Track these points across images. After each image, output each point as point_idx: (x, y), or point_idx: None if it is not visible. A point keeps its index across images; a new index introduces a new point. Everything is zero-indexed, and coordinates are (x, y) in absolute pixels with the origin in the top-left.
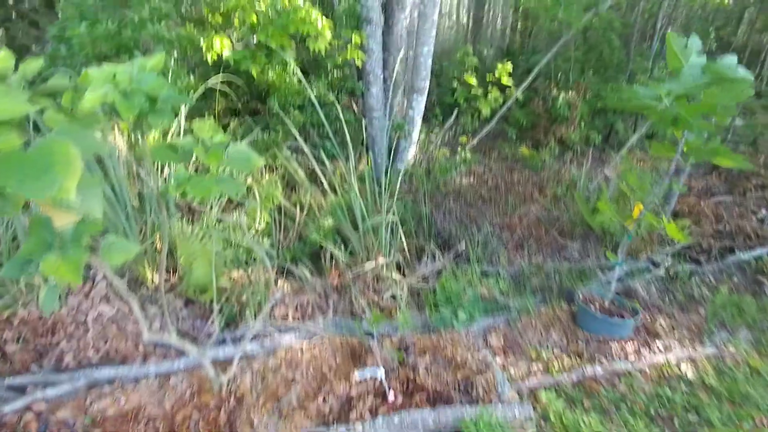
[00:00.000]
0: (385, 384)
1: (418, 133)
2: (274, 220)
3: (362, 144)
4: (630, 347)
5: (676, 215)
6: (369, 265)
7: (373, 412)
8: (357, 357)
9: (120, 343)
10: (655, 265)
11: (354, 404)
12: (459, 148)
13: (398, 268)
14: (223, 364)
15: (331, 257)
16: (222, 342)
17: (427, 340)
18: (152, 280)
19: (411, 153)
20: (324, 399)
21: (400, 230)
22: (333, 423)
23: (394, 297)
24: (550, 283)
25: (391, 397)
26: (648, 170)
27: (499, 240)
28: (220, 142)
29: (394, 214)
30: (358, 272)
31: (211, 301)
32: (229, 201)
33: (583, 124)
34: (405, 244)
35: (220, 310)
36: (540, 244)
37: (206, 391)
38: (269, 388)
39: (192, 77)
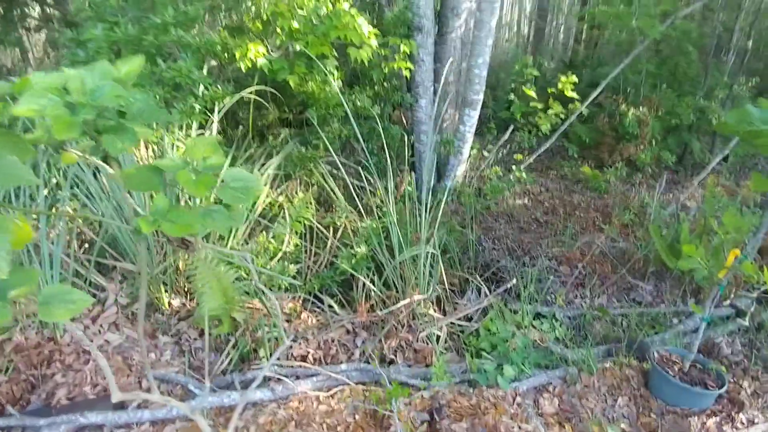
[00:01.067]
0: None
1: (468, 149)
2: (304, 243)
3: (408, 161)
4: (711, 423)
5: (761, 252)
6: (403, 302)
7: None
8: (380, 416)
9: (122, 377)
10: (740, 314)
11: None
12: (513, 167)
13: (437, 303)
14: (227, 413)
15: (363, 286)
16: (230, 384)
17: (465, 399)
18: (168, 305)
19: (461, 171)
20: None
21: (440, 263)
22: None
23: (430, 339)
24: (615, 331)
25: None
26: (729, 199)
27: (556, 275)
28: (211, 166)
29: (434, 245)
30: (390, 310)
31: (227, 334)
32: (258, 222)
33: (654, 143)
34: (446, 276)
35: (235, 345)
36: (605, 283)
37: None
38: None
39: (222, 88)
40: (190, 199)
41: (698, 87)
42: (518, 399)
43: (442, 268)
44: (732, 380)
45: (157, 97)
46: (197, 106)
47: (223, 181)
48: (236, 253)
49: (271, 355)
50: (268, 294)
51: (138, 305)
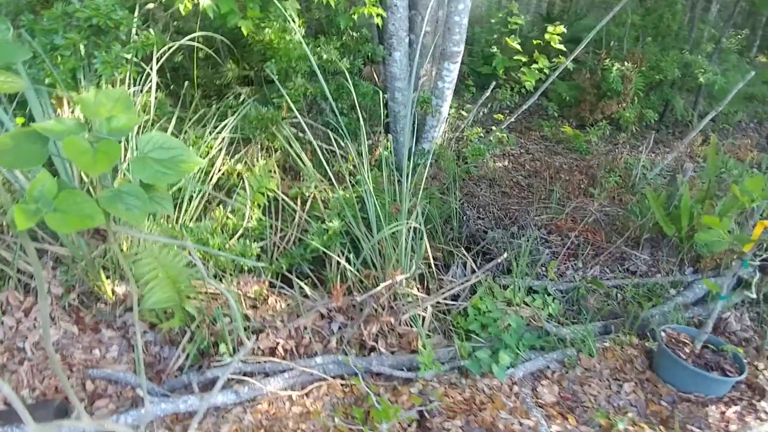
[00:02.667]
0: None
1: (448, 108)
2: (268, 218)
3: (382, 123)
4: (731, 413)
5: None
6: (384, 284)
7: None
8: (364, 413)
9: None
10: (745, 284)
11: None
12: (494, 127)
13: (420, 281)
14: (185, 420)
15: (338, 266)
16: (186, 386)
17: (458, 393)
18: (112, 293)
19: (439, 132)
20: None
21: (425, 240)
22: None
23: (414, 321)
24: (611, 305)
25: None
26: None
27: (546, 246)
28: (119, 129)
29: (417, 218)
30: (371, 294)
31: (180, 327)
32: (213, 195)
33: (635, 100)
34: (429, 248)
35: (191, 339)
36: (598, 253)
37: None
38: None
39: (156, 33)
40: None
41: (684, 41)
42: (515, 388)
43: (427, 242)
44: (746, 360)
45: (74, 45)
46: (126, 56)
47: (140, 151)
48: (175, 242)
49: (234, 350)
50: (221, 289)
51: (43, 331)
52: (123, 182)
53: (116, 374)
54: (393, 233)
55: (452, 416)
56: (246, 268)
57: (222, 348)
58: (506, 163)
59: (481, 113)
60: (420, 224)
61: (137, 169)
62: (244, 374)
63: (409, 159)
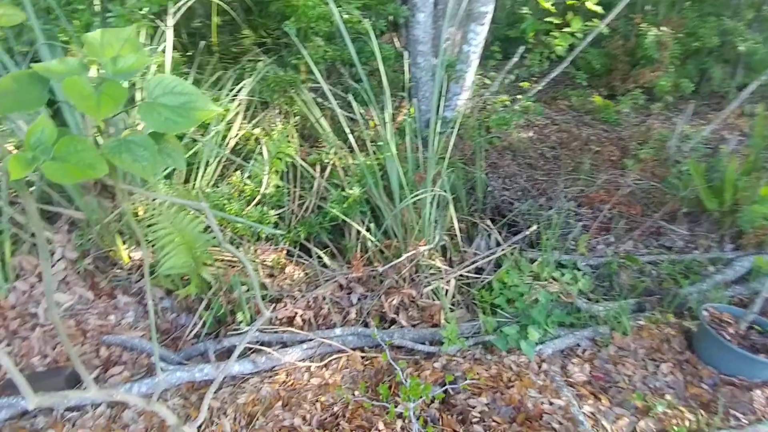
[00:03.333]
0: None
1: (473, 74)
2: (287, 184)
3: (404, 88)
4: None
5: None
6: (407, 255)
7: None
8: (385, 392)
9: (76, 345)
10: None
11: None
12: (519, 96)
13: (443, 252)
14: (201, 389)
15: (358, 235)
16: (203, 354)
17: (483, 369)
18: (129, 258)
19: (463, 99)
20: None
21: (451, 207)
22: None
23: (436, 294)
24: (644, 282)
25: None
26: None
27: (577, 219)
28: (126, 71)
29: (443, 186)
30: (392, 264)
31: (198, 294)
32: (231, 160)
33: (671, 68)
34: (454, 218)
35: (208, 306)
36: (632, 227)
37: None
38: None
39: None
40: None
41: (723, 7)
42: (544, 366)
43: (453, 212)
44: None
45: None
46: (142, 10)
47: (149, 95)
48: (190, 204)
49: (251, 319)
50: (238, 255)
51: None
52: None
53: (131, 341)
54: (415, 203)
55: (478, 393)
56: (263, 236)
57: (239, 316)
58: (531, 134)
59: (507, 80)
60: (446, 191)
61: (145, 115)
62: (262, 344)
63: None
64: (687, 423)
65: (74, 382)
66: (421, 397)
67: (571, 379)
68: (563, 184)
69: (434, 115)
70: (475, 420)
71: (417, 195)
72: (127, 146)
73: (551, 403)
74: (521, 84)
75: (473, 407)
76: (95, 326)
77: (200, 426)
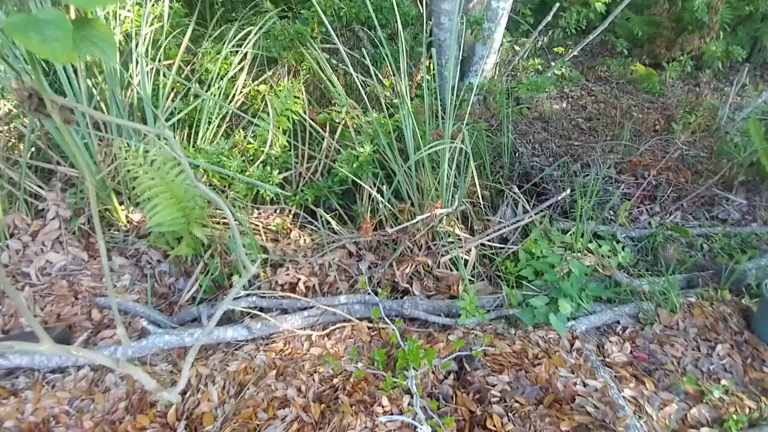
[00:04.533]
0: None
1: (501, 34)
2: (295, 142)
3: (426, 50)
4: None
5: None
6: (422, 217)
7: None
8: (393, 363)
9: (66, 306)
10: None
11: None
12: (553, 63)
13: (463, 221)
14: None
15: (369, 198)
16: (196, 319)
17: (506, 344)
18: (127, 220)
19: (490, 63)
20: None
21: (472, 165)
22: None
23: (455, 264)
24: (694, 257)
25: None
26: None
27: (616, 186)
28: None
29: (463, 140)
30: (404, 226)
31: (194, 255)
32: (237, 117)
33: (721, 35)
34: (477, 183)
35: (205, 270)
36: (680, 195)
37: (149, 405)
38: (243, 411)
39: None
40: None
41: None
42: (577, 344)
43: (474, 171)
44: None
45: None
46: None
47: None
48: (144, 128)
49: (249, 283)
50: (219, 202)
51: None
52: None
53: (125, 303)
54: (433, 167)
55: (499, 370)
56: (267, 199)
57: (235, 279)
58: (565, 105)
59: (539, 43)
60: (466, 147)
61: None
62: (260, 310)
63: (453, 93)
64: (747, 410)
65: (65, 341)
66: (423, 367)
67: (608, 360)
68: (601, 149)
69: (451, 78)
70: (494, 400)
71: (434, 146)
72: (35, 24)
73: (585, 385)
74: (555, 49)
75: (493, 385)
76: (88, 288)
77: (184, 392)
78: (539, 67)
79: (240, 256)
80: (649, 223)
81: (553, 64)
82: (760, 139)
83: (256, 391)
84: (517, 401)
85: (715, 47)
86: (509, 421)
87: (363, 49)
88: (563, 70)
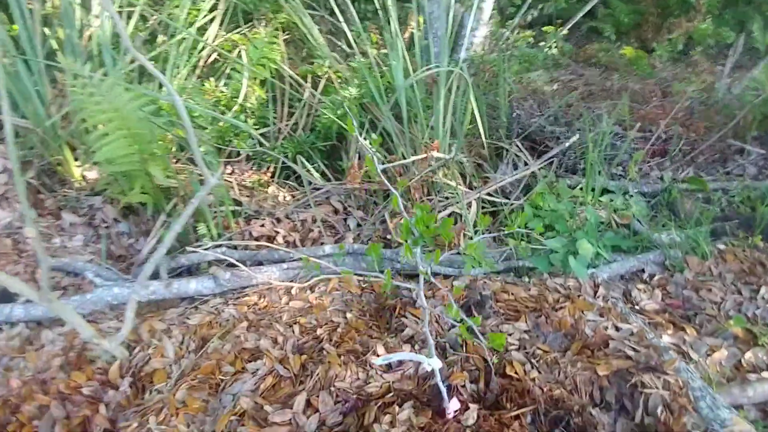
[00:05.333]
0: (440, 380)
1: (491, 7)
2: (272, 94)
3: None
4: None
5: None
6: (416, 157)
7: None
8: (388, 314)
9: (8, 264)
10: None
11: (369, 419)
12: (543, 42)
13: (463, 178)
14: (154, 313)
15: (357, 154)
16: (155, 274)
17: (521, 290)
18: (82, 178)
19: (479, 36)
20: (308, 399)
21: (472, 103)
22: None
23: (454, 218)
24: (712, 210)
25: (451, 408)
26: None
27: (623, 141)
28: None
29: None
30: (393, 165)
31: (155, 209)
32: (207, 68)
33: (708, 18)
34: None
35: (166, 224)
36: (692, 149)
37: (87, 362)
38: (205, 363)
39: None
40: None
41: None
42: (601, 291)
43: (475, 107)
44: None
45: None
46: None
47: None
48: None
49: (218, 235)
50: (159, 76)
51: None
52: None
53: (74, 263)
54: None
55: (514, 317)
56: (243, 154)
57: (201, 228)
58: (555, 87)
59: (529, 18)
60: (463, 73)
61: None
62: (230, 266)
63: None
64: None
65: (7, 299)
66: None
67: (637, 307)
68: (606, 108)
69: (443, 57)
70: (513, 347)
71: (426, 70)
72: None
73: (617, 329)
74: (544, 29)
75: (509, 334)
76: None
77: (132, 348)
78: (531, 39)
79: (197, 160)
80: (661, 177)
81: (542, 43)
82: None
83: (221, 344)
84: (539, 348)
85: (706, 26)
86: (533, 368)
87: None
88: (556, 44)
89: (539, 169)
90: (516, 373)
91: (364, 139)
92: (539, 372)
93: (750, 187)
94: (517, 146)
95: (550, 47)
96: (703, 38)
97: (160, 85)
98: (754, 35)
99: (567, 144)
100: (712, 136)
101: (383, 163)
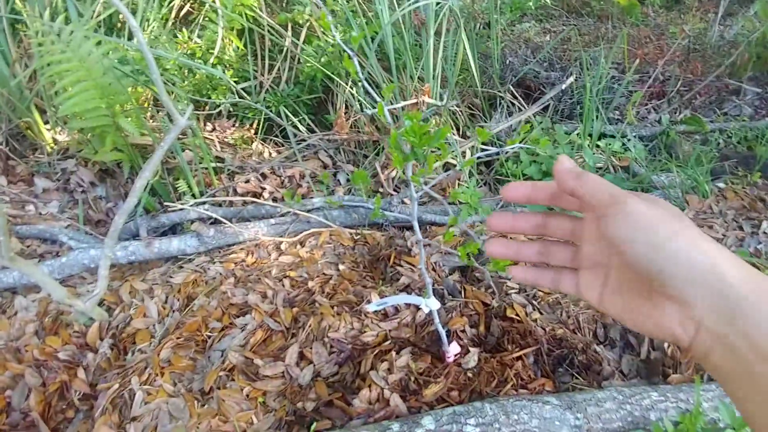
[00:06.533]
0: (438, 323)
1: None
2: (252, 47)
3: None
4: None
5: None
6: (405, 103)
7: (412, 394)
8: (382, 265)
9: None
10: None
11: (365, 367)
12: None
13: (456, 127)
14: (135, 274)
15: (345, 105)
16: (134, 235)
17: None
18: (54, 142)
19: None
20: (301, 351)
21: (464, 43)
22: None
23: (448, 169)
24: (711, 152)
25: (451, 352)
26: None
27: (619, 84)
28: None
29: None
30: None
31: (131, 170)
32: (180, 21)
33: None
34: (464, 97)
35: (147, 187)
36: (689, 90)
37: (64, 326)
38: (190, 321)
39: None
40: None
41: None
42: None
43: (468, 50)
44: None
45: None
46: None
47: None
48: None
49: (201, 193)
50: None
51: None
52: None
53: (49, 230)
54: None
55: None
56: (224, 112)
57: (181, 185)
58: (548, 38)
59: None
60: (452, 6)
61: None
62: (214, 223)
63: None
64: None
65: None
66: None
67: None
68: (602, 52)
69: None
70: (512, 291)
71: (413, 3)
72: None
73: None
74: None
75: (508, 278)
76: (8, 216)
77: (112, 310)
78: None
79: (164, 102)
80: (659, 120)
81: None
82: None
83: (207, 301)
84: (541, 291)
85: None
86: (534, 309)
87: None
88: None
89: (534, 116)
90: (517, 315)
91: (351, 88)
92: (541, 313)
93: (747, 127)
94: (512, 93)
95: None
96: None
97: (130, 37)
98: None
99: (563, 86)
100: (709, 76)
101: (372, 118)
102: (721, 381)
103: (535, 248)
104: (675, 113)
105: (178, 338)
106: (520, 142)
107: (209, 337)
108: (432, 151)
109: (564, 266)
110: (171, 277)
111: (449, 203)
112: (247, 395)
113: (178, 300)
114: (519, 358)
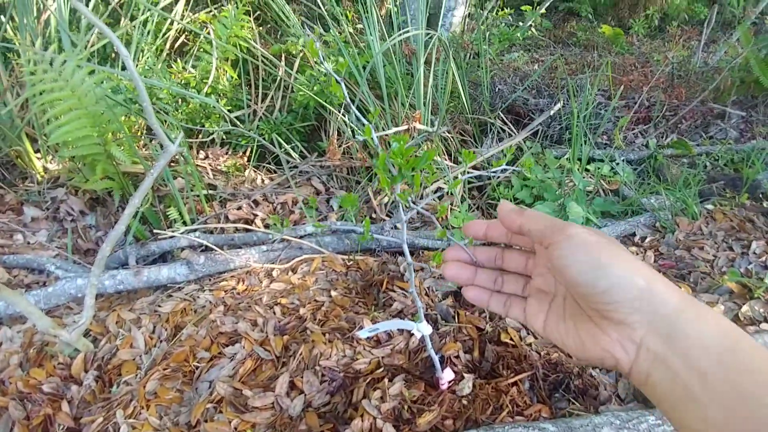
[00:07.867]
0: (431, 349)
1: None
2: (246, 77)
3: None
4: None
5: None
6: (397, 129)
7: (406, 423)
8: (375, 291)
9: None
10: None
11: (358, 396)
12: (522, 22)
13: (447, 152)
14: (120, 303)
15: (338, 132)
16: (123, 264)
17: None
18: (44, 171)
19: (458, 15)
20: (291, 381)
21: (453, 72)
22: None
23: (441, 196)
24: (698, 174)
25: (445, 378)
26: None
27: (605, 110)
28: None
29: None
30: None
31: (122, 199)
32: (175, 51)
33: None
34: (456, 123)
35: (135, 213)
36: (675, 114)
37: (48, 358)
38: (178, 351)
39: None
40: None
41: None
42: None
43: (457, 79)
44: None
45: None
46: None
47: None
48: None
49: (192, 220)
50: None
51: None
52: None
53: (36, 259)
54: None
55: None
56: (218, 140)
57: (172, 212)
58: (535, 67)
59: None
60: (442, 38)
61: None
62: (205, 250)
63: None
64: None
65: None
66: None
67: None
68: (588, 79)
69: (420, 39)
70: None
71: (403, 33)
72: None
73: None
74: (523, 7)
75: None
76: None
77: (98, 341)
78: (509, 17)
79: (154, 128)
80: (646, 145)
81: (521, 24)
82: (753, 54)
83: (196, 330)
84: None
85: (679, 1)
86: (528, 333)
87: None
88: (534, 23)
89: (524, 141)
90: (511, 339)
91: (343, 115)
92: (535, 337)
93: (733, 150)
94: (502, 119)
95: (529, 27)
96: (678, 13)
97: (123, 67)
98: (729, 2)
99: (551, 112)
100: (694, 101)
101: (365, 144)
102: (660, 404)
103: (491, 275)
104: (662, 137)
105: (164, 369)
106: (508, 164)
107: (197, 367)
108: (421, 171)
109: (515, 294)
110: (159, 306)
111: (444, 226)
112: (236, 428)
113: (166, 330)
114: (514, 383)
